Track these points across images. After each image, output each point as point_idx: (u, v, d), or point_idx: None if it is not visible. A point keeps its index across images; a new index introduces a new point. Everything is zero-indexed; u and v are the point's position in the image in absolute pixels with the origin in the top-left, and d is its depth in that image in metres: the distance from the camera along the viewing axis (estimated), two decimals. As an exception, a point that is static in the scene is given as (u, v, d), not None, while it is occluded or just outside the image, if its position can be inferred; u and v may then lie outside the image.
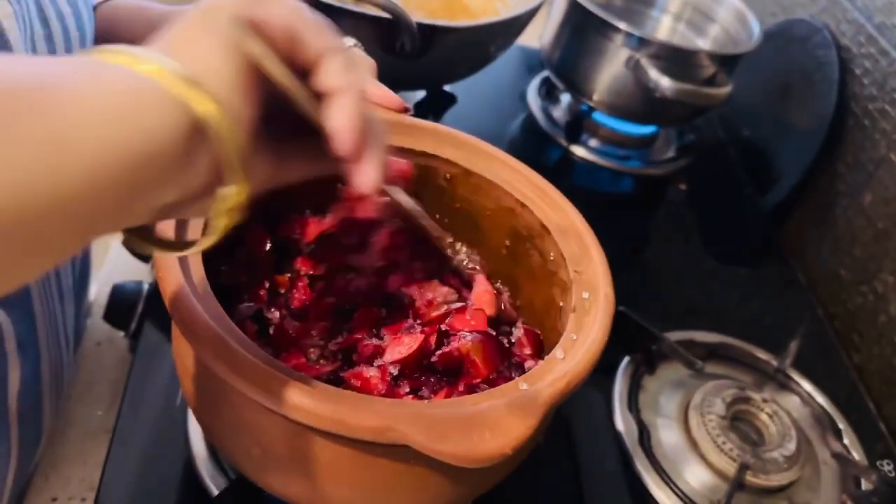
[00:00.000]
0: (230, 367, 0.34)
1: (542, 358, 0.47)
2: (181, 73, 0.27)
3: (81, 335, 0.67)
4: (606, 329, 0.42)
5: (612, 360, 0.69)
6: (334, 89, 0.31)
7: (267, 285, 0.49)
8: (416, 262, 0.52)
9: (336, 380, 0.43)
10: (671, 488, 0.61)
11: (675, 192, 1.01)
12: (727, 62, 0.90)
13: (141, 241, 0.32)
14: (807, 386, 0.73)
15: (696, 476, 0.62)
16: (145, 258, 0.67)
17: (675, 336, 0.72)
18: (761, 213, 0.99)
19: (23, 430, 0.51)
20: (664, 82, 0.85)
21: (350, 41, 0.52)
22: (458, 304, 0.49)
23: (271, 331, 0.46)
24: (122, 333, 0.65)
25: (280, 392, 0.34)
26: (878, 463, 0.69)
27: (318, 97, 0.32)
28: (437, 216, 0.55)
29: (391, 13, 0.68)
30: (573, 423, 0.64)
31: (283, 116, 0.32)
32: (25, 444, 0.52)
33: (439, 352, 0.45)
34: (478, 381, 0.44)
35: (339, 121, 0.31)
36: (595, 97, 0.95)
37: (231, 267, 0.48)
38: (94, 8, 0.56)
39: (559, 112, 1.04)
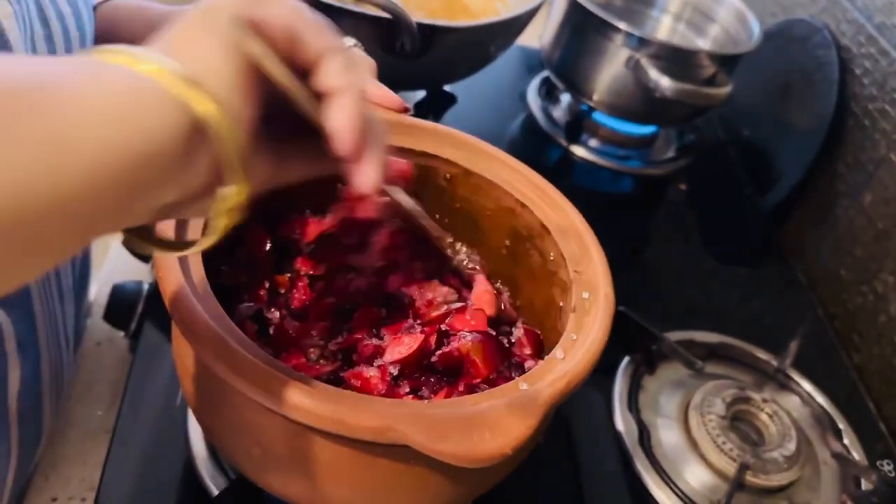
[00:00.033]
0: (230, 367, 0.34)
1: (542, 358, 0.47)
2: (181, 73, 0.27)
3: (81, 335, 0.67)
4: (606, 329, 0.42)
5: (612, 360, 0.69)
6: (334, 89, 0.31)
7: (267, 285, 0.49)
8: (416, 262, 0.52)
9: (336, 380, 0.43)
10: (671, 488, 0.61)
11: (675, 192, 1.01)
12: (727, 62, 0.90)
13: (141, 241, 0.32)
14: (807, 386, 0.73)
15: (696, 476, 0.62)
16: (145, 258, 0.67)
17: (675, 336, 0.72)
18: (761, 213, 0.99)
19: (23, 430, 0.51)
20: (664, 82, 0.85)
21: (350, 41, 0.52)
22: (458, 304, 0.49)
23: (271, 331, 0.46)
24: (122, 333, 0.65)
25: (280, 392, 0.34)
26: (878, 463, 0.69)
27: (318, 97, 0.32)
28: (437, 216, 0.55)
29: (391, 13, 0.68)
30: (573, 423, 0.64)
31: (283, 116, 0.32)
32: (25, 444, 0.52)
33: (439, 352, 0.45)
34: (478, 381, 0.44)
35: (339, 121, 0.31)
36: (595, 97, 0.95)
37: (231, 267, 0.48)
38: (94, 8, 0.56)
39: (559, 112, 1.04)
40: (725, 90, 0.88)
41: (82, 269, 0.61)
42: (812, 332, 0.78)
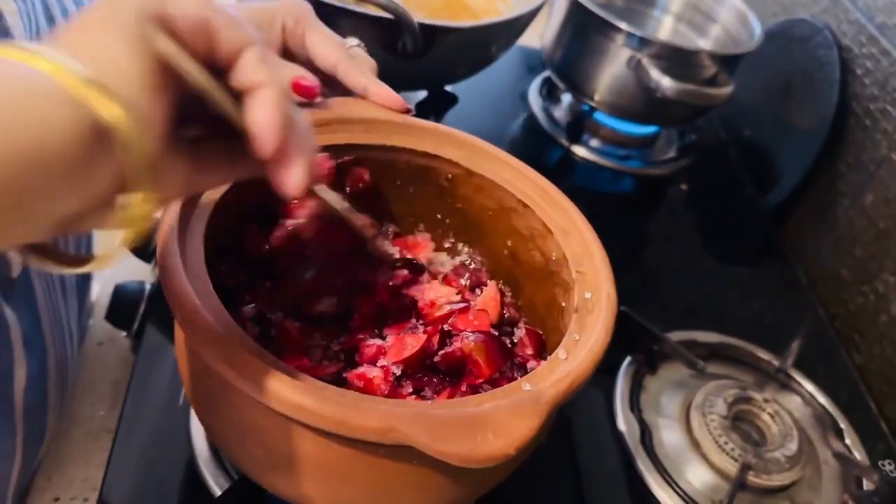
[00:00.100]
0: (233, 368, 0.34)
1: (544, 358, 0.47)
2: (82, 72, 0.25)
3: (84, 333, 0.67)
4: (609, 329, 0.42)
5: (614, 360, 0.69)
6: (253, 84, 0.29)
7: (267, 285, 0.49)
8: (349, 264, 0.51)
9: (339, 380, 0.43)
10: (673, 488, 0.61)
11: (676, 192, 1.01)
12: (728, 62, 0.90)
13: (40, 257, 0.30)
14: (808, 386, 0.73)
15: (697, 476, 0.62)
16: (147, 258, 0.67)
17: (676, 336, 0.72)
18: (762, 213, 0.99)
19: (28, 427, 0.51)
20: (665, 82, 0.85)
21: (353, 41, 0.52)
22: (461, 305, 0.49)
23: (273, 332, 0.46)
24: (124, 333, 0.65)
25: (283, 393, 0.34)
26: (879, 463, 0.69)
27: (239, 96, 0.30)
28: (439, 216, 0.55)
29: (393, 13, 0.68)
30: (574, 423, 0.64)
31: (200, 117, 0.31)
32: (30, 441, 0.52)
33: (442, 352, 0.45)
34: (480, 381, 0.44)
35: (259, 117, 0.29)
36: (596, 97, 0.95)
37: (231, 267, 0.48)
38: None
39: (560, 112, 1.04)
40: (727, 90, 0.88)
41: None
42: (813, 332, 0.78)
